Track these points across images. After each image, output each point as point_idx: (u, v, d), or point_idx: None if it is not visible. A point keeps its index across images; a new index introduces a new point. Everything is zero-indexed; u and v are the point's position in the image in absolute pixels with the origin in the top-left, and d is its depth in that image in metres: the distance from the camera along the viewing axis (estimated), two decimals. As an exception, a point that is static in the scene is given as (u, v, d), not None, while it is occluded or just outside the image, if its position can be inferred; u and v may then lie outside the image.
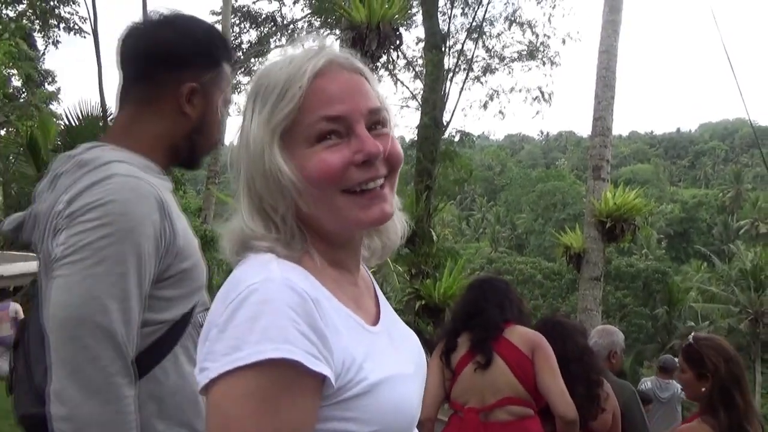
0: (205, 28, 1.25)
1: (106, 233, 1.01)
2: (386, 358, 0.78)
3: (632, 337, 26.06)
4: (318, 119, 0.75)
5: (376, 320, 0.84)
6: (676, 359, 6.14)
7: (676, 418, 5.63)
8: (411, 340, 0.90)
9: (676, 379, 5.51)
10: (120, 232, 1.02)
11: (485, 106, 17.01)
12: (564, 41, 17.45)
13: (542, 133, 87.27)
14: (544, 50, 16.60)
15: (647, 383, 5.83)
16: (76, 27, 16.48)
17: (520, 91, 17.27)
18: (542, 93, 17.02)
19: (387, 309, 0.90)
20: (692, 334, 2.31)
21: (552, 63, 16.60)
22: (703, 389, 2.08)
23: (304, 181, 0.75)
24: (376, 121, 0.79)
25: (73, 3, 16.46)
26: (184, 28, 1.21)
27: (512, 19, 16.60)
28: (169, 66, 1.17)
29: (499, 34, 16.83)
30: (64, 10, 16.49)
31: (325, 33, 17.50)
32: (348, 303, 0.78)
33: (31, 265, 15.42)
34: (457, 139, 15.27)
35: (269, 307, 0.66)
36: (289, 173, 0.74)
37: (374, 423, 0.72)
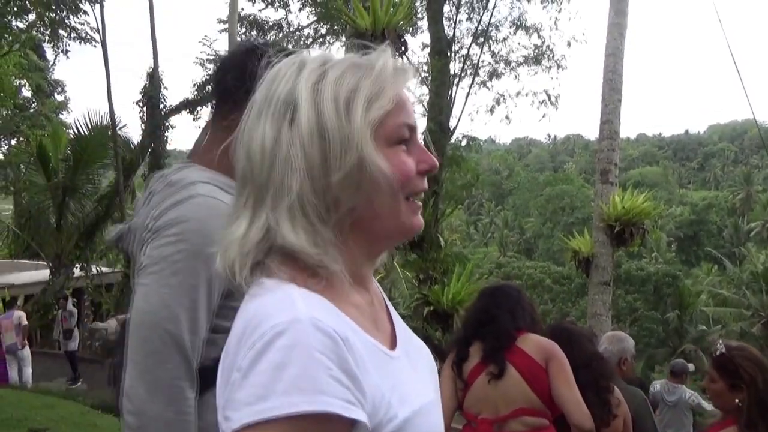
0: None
1: (182, 248, 1.11)
2: (410, 387, 0.74)
3: (643, 341, 25.85)
4: (402, 124, 0.76)
5: (393, 340, 0.81)
6: (690, 364, 6.11)
7: (684, 424, 5.58)
8: (424, 355, 0.87)
9: (694, 384, 5.46)
10: (194, 248, 1.10)
11: (492, 110, 17.01)
12: (569, 44, 17.43)
13: (549, 136, 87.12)
14: (550, 54, 16.59)
15: (656, 386, 5.81)
16: (88, 36, 16.65)
17: (527, 95, 17.27)
18: (549, 96, 17.01)
19: (400, 324, 0.86)
20: (721, 342, 2.22)
21: (558, 66, 16.58)
22: (737, 400, 2.03)
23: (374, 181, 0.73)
24: None
25: (84, 13, 16.64)
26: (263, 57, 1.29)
27: (518, 23, 16.61)
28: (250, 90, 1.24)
29: (504, 39, 16.84)
30: (74, 20, 16.67)
31: (331, 40, 17.59)
32: (370, 329, 0.75)
33: (42, 274, 15.54)
34: (463, 143, 15.27)
35: (297, 353, 0.61)
36: (385, 168, 0.73)
37: None
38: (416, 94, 0.85)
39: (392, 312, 0.87)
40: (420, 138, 0.80)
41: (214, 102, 1.33)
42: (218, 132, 1.27)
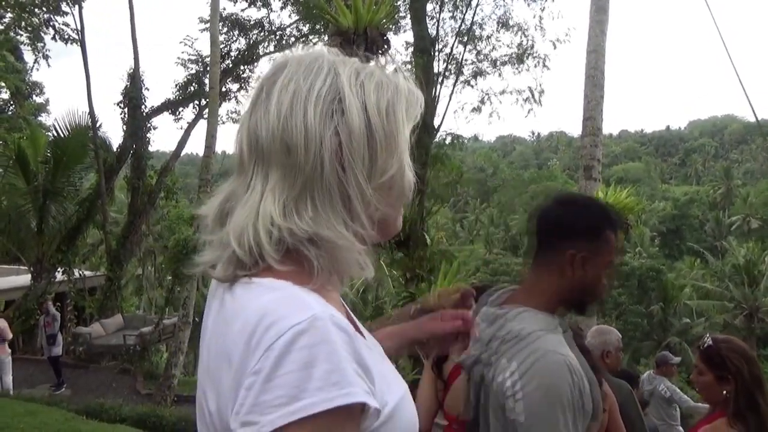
0: (591, 204, 1.53)
1: (555, 409, 1.27)
2: (392, 376, 0.77)
3: (628, 335, 26.12)
4: (409, 142, 0.79)
5: (361, 334, 0.82)
6: (676, 358, 6.20)
7: (674, 416, 5.65)
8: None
9: (680, 377, 5.58)
10: (555, 404, 1.26)
11: (478, 109, 17.04)
12: (554, 45, 17.56)
13: (533, 133, 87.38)
14: (533, 52, 16.66)
15: (643, 377, 5.98)
16: (71, 38, 16.44)
17: (511, 93, 17.34)
18: (533, 94, 17.09)
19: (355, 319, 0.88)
20: (708, 335, 2.24)
21: (544, 65, 16.66)
22: (725, 392, 2.05)
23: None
24: None
25: (66, 14, 16.43)
26: (573, 206, 1.50)
27: (503, 21, 16.66)
28: (562, 237, 1.43)
29: (488, 37, 16.89)
30: (57, 21, 16.46)
31: (313, 39, 17.52)
32: None
33: (23, 279, 15.29)
34: (447, 142, 15.29)
35: (325, 350, 0.62)
36: (413, 177, 0.79)
37: None
38: None
39: (346, 306, 0.88)
40: None
41: (549, 239, 1.46)
42: (553, 271, 1.42)
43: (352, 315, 0.87)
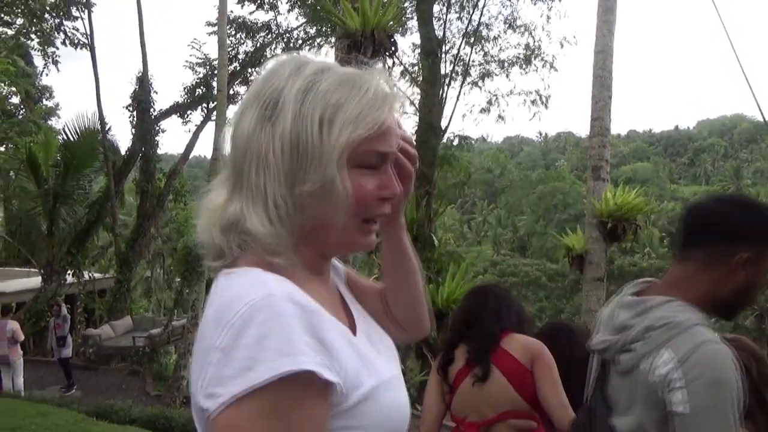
0: (759, 206, 1.47)
1: (724, 398, 1.23)
2: (374, 361, 0.79)
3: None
4: (373, 151, 0.79)
5: (352, 324, 0.86)
6: None
7: None
8: (388, 345, 0.92)
9: None
10: (726, 397, 1.23)
11: (487, 111, 17.03)
12: (561, 45, 17.50)
13: (541, 134, 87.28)
14: (541, 54, 16.63)
15: None
16: (80, 42, 16.58)
17: (519, 94, 17.33)
18: (540, 96, 17.06)
19: (360, 312, 0.92)
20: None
21: (551, 66, 16.62)
22: None
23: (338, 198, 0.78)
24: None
25: (77, 19, 16.58)
26: (742, 206, 1.45)
27: (510, 20, 16.64)
28: (729, 237, 1.39)
29: (495, 38, 16.87)
30: (68, 26, 16.62)
31: (320, 41, 17.55)
32: (331, 312, 0.80)
33: (33, 281, 15.41)
34: (455, 143, 15.29)
35: (276, 323, 0.65)
36: (346, 191, 0.76)
37: (372, 428, 0.74)
38: (403, 114, 0.87)
39: (349, 303, 0.93)
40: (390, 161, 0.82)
41: (707, 236, 1.41)
42: (708, 268, 1.38)
43: (352, 309, 0.91)
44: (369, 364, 0.77)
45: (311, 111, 0.76)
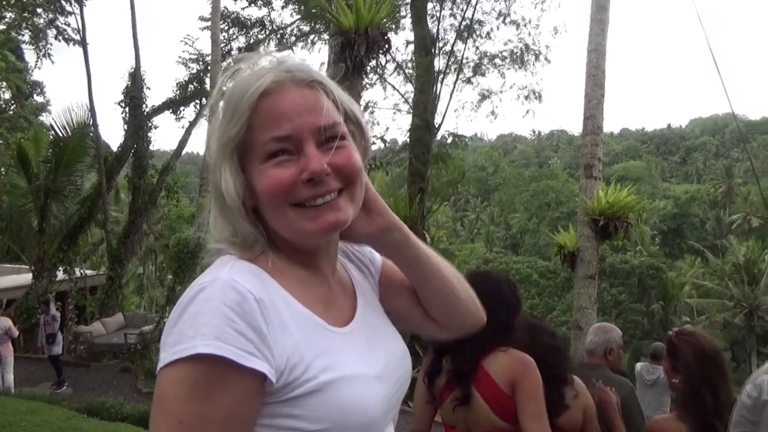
0: None
1: None
2: (348, 357, 0.80)
3: (628, 333, 26.11)
4: (268, 139, 0.78)
5: (348, 321, 0.87)
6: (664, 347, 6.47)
7: (666, 403, 5.82)
8: (391, 344, 0.92)
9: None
10: None
11: (479, 106, 17.05)
12: (556, 31, 17.57)
13: (534, 132, 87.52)
14: (535, 49, 16.66)
15: (638, 367, 6.21)
16: (72, 38, 16.44)
17: (511, 87, 17.38)
18: (533, 91, 17.10)
19: (368, 311, 0.92)
20: (677, 327, 2.42)
21: (546, 59, 16.65)
22: (675, 381, 2.20)
23: (258, 197, 0.80)
24: (332, 135, 0.80)
25: (70, 14, 16.44)
26: None
27: (506, 13, 16.65)
28: None
29: (488, 33, 16.89)
30: (61, 21, 16.47)
31: (314, 38, 17.50)
32: (312, 303, 0.82)
33: (24, 278, 15.29)
34: (449, 141, 15.29)
35: (209, 305, 0.71)
36: (233, 192, 0.79)
37: (324, 421, 0.74)
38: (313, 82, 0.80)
39: (361, 299, 0.93)
40: (309, 140, 0.79)
41: None
42: None
43: (360, 306, 0.91)
44: (334, 357, 0.77)
45: (210, 116, 0.85)
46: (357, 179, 0.83)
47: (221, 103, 0.82)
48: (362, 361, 0.82)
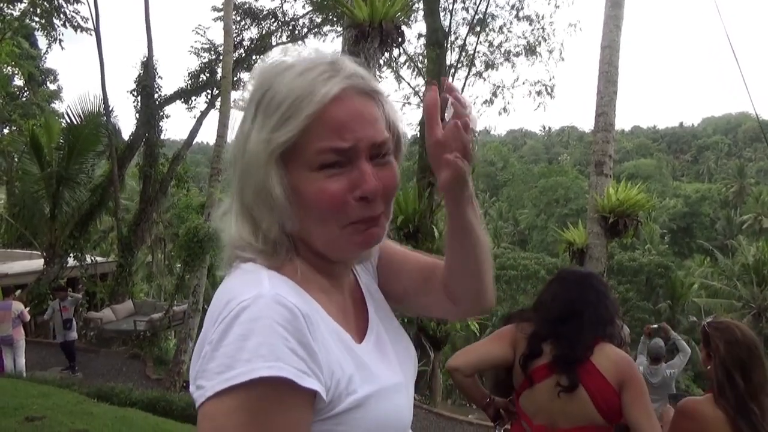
0: None
1: None
2: (375, 369, 0.78)
3: (635, 331, 26.00)
4: (325, 149, 0.73)
5: (364, 327, 0.85)
6: (663, 347, 6.59)
7: (665, 403, 5.91)
8: (403, 344, 0.91)
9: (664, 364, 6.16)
10: None
11: (491, 102, 16.99)
12: (572, 26, 17.42)
13: (544, 128, 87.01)
14: (548, 44, 16.57)
15: (640, 369, 6.17)
16: (80, 26, 16.51)
17: (523, 83, 17.30)
18: (545, 86, 17.02)
19: (378, 312, 0.90)
20: (711, 317, 2.45)
21: (560, 55, 16.56)
22: (709, 367, 2.23)
23: (300, 205, 0.75)
24: (381, 152, 0.77)
25: (78, 2, 16.50)
26: None
27: (519, 6, 16.56)
28: None
29: (501, 27, 16.80)
30: (69, 9, 16.54)
31: (326, 30, 17.47)
32: (336, 315, 0.79)
33: (35, 264, 15.47)
34: (459, 135, 15.25)
35: (260, 324, 0.66)
36: (282, 197, 0.74)
37: None
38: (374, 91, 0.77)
39: (368, 300, 0.91)
40: (364, 155, 0.75)
41: None
42: None
43: (366, 300, 0.90)
44: (367, 371, 0.76)
45: (251, 107, 0.76)
46: (394, 196, 0.81)
47: (268, 99, 0.75)
48: (389, 370, 0.82)
